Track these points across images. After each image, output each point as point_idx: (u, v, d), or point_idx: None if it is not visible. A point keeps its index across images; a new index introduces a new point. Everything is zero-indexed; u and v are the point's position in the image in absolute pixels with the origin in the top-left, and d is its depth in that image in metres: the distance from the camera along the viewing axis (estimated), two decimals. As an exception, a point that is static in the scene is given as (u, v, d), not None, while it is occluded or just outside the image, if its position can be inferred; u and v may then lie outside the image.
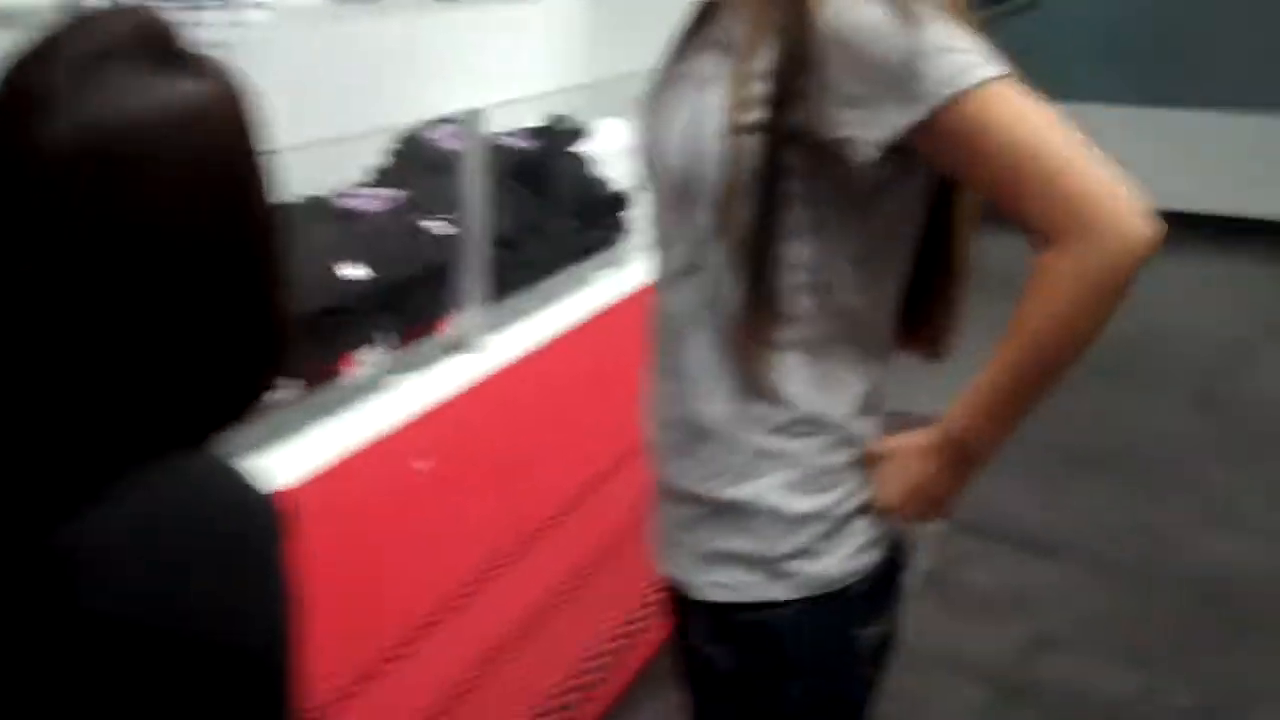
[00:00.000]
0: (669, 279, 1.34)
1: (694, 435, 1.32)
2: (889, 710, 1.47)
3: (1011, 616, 3.27)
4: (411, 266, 2.34)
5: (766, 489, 1.30)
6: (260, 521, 0.93)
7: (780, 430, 1.29)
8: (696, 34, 1.34)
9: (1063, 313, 1.18)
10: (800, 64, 1.19)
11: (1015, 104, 1.18)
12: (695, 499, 1.33)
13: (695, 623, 1.38)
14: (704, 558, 1.34)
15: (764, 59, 1.21)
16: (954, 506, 1.34)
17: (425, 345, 2.39)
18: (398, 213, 2.51)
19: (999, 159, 1.17)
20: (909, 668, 3.02)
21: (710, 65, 1.28)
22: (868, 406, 1.33)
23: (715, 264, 1.26)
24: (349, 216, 2.51)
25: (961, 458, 1.29)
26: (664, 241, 1.34)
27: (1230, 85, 6.59)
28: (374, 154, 2.83)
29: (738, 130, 1.21)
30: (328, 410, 2.15)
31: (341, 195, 2.61)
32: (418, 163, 2.69)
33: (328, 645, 2.07)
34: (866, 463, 1.32)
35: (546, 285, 2.74)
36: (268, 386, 0.96)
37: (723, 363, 1.28)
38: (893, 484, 1.32)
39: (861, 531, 1.33)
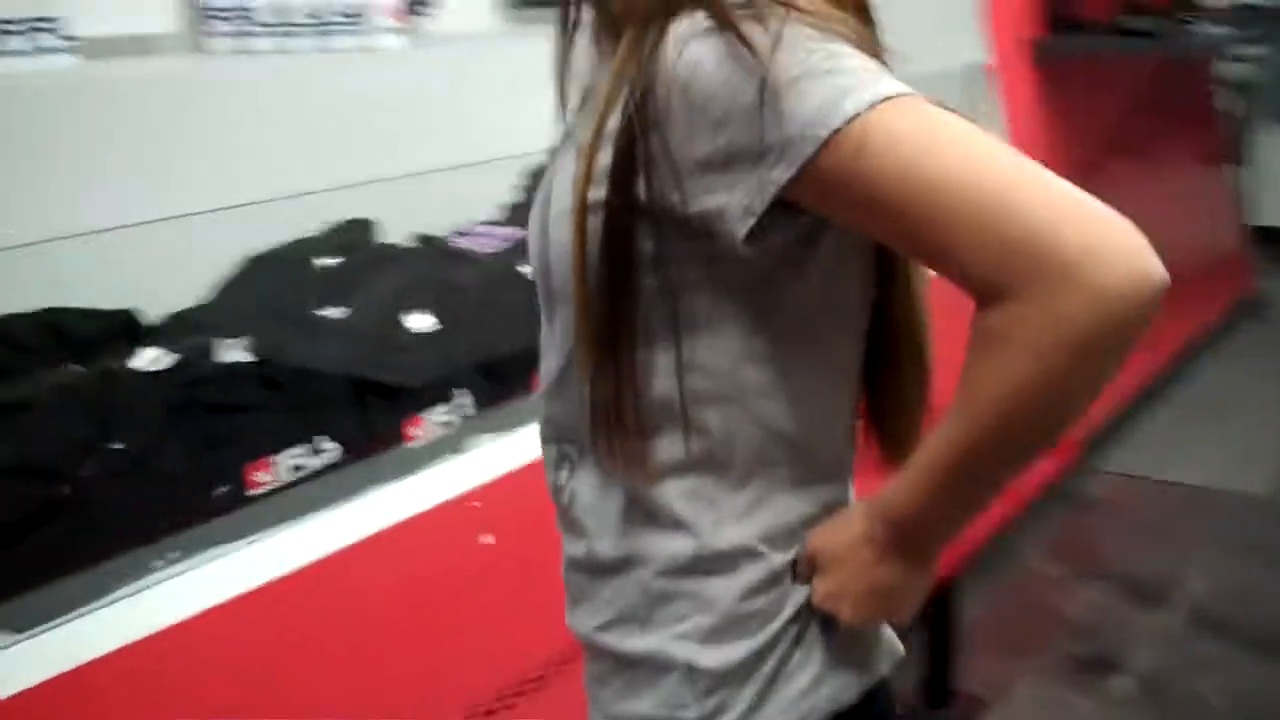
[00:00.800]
0: (546, 392, 1.10)
1: (593, 575, 1.09)
2: None
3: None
4: (497, 316, 2.13)
5: (673, 639, 1.04)
6: None
7: (683, 569, 1.02)
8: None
9: (1034, 384, 0.86)
10: (641, 122, 0.91)
11: (917, 127, 0.86)
12: (599, 650, 1.10)
13: None
14: None
15: (617, 118, 0.94)
16: (914, 604, 1.05)
17: (517, 405, 2.18)
18: (508, 254, 2.32)
19: (912, 202, 0.85)
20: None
21: (580, 125, 1.03)
22: (808, 529, 1.05)
23: (580, 373, 1.02)
24: (458, 258, 2.34)
25: (907, 547, 1.01)
26: (541, 347, 1.11)
27: None
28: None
29: (583, 209, 0.95)
30: (386, 476, 1.98)
31: (458, 234, 2.44)
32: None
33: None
34: (798, 569, 1.04)
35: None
36: None
37: (608, 488, 1.04)
38: (832, 580, 1.03)
39: (802, 674, 1.05)
